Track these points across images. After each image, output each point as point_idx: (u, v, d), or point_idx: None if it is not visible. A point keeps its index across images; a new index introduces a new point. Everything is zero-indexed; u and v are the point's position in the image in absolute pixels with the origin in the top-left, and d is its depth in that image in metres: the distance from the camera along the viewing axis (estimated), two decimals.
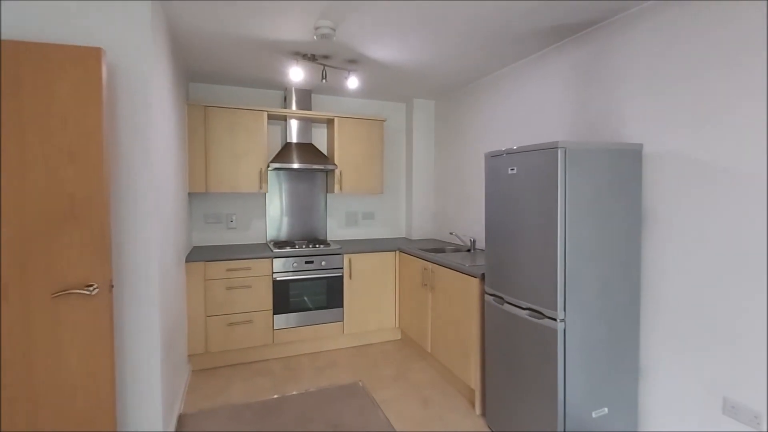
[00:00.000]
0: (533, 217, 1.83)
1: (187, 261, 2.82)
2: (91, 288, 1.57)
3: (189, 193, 3.19)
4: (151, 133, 1.82)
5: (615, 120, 2.07)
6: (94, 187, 1.57)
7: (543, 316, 1.80)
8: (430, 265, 2.89)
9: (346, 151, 3.55)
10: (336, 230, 3.87)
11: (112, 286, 1.66)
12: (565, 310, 1.72)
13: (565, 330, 1.73)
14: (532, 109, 2.66)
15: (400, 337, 3.54)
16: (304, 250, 3.17)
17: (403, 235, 4.16)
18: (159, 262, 1.88)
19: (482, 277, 2.30)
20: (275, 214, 3.63)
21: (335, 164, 3.38)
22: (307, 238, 3.74)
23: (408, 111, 4.03)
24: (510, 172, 1.97)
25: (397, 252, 3.45)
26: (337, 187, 3.52)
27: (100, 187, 1.58)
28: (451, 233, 3.24)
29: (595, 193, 1.76)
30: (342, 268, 3.27)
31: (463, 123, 3.48)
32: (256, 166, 3.25)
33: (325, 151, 3.78)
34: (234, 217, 3.50)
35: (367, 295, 3.37)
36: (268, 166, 3.27)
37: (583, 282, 1.75)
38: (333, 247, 3.31)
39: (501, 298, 2.08)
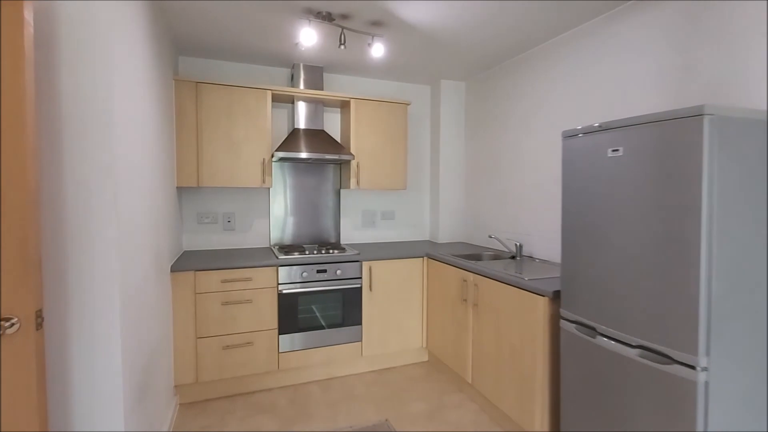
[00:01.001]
0: (652, 217, 1.29)
1: (173, 270, 2.28)
2: (8, 323, 1.03)
3: (178, 188, 2.66)
4: (113, 104, 1.28)
5: (738, 87, 1.52)
6: (11, 180, 1.04)
7: (671, 360, 1.25)
8: (471, 277, 2.34)
9: (365, 140, 3.01)
10: (350, 232, 3.33)
11: (42, 319, 1.12)
12: (709, 355, 1.18)
13: (708, 383, 1.18)
14: (607, 83, 2.11)
15: (426, 359, 3.00)
16: (316, 256, 2.63)
17: (427, 238, 3.62)
18: (123, 277, 1.35)
19: (554, 296, 1.75)
20: (280, 213, 3.10)
21: (352, 154, 2.84)
22: (317, 242, 3.21)
23: (434, 95, 3.48)
24: (611, 154, 1.42)
25: (426, 259, 2.91)
26: (353, 181, 2.98)
27: (22, 180, 1.05)
28: (490, 236, 2.71)
29: (757, 184, 1.22)
30: (360, 277, 2.73)
31: (503, 106, 2.93)
32: (258, 156, 2.72)
33: (338, 140, 3.23)
34: (232, 217, 2.97)
35: (389, 309, 2.83)
36: (272, 156, 2.74)
37: (737, 314, 1.20)
38: (349, 252, 2.77)
39: (590, 327, 1.53)
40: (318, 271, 2.61)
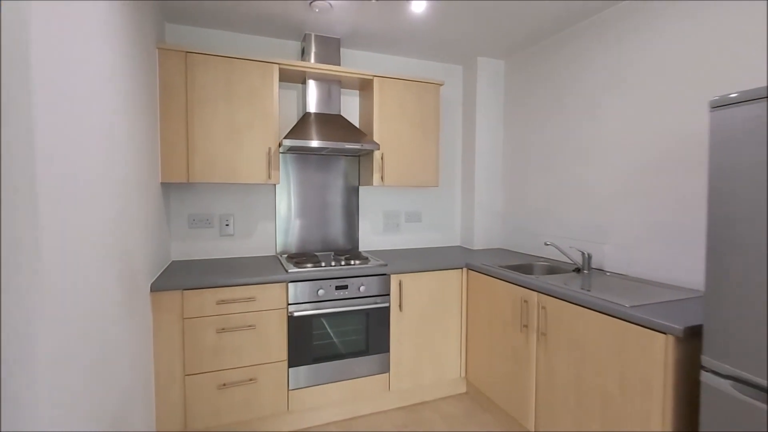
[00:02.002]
0: None
1: (154, 290, 1.78)
2: None
3: (163, 185, 2.15)
4: (31, 72, 0.78)
5: None
6: None
7: None
8: (535, 296, 1.83)
9: (390, 127, 2.50)
10: (370, 237, 2.83)
11: None
12: None
13: None
14: (712, 44, 1.60)
15: (465, 391, 2.49)
16: (335, 269, 2.12)
17: (459, 244, 3.11)
18: (59, 309, 0.84)
19: (686, 335, 1.24)
20: (286, 214, 2.59)
21: (376, 143, 2.33)
22: (330, 249, 2.70)
23: (467, 76, 2.97)
24: None
25: (466, 270, 2.40)
26: (376, 177, 2.47)
27: None
28: (546, 243, 2.20)
29: None
30: (388, 294, 2.22)
31: (556, 87, 2.42)
32: (263, 145, 2.21)
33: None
34: (230, 219, 2.47)
35: (422, 333, 2.32)
36: (280, 146, 2.23)
37: None
38: (374, 263, 2.26)
39: (758, 387, 1.02)
40: (337, 288, 2.11)
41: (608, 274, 2.04)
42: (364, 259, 2.30)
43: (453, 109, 3.03)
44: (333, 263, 2.17)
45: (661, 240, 1.83)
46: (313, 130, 2.27)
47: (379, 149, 2.35)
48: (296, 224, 2.61)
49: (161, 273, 2.00)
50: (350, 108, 2.74)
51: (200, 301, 1.86)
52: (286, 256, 2.47)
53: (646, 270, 1.90)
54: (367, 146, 2.29)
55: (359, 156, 2.73)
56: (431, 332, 2.34)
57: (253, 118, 2.18)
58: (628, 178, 1.99)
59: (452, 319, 2.39)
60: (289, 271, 2.03)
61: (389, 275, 2.22)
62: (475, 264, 2.32)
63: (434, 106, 2.62)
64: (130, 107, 1.54)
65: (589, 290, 1.68)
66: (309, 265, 2.13)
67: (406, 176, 2.56)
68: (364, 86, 2.61)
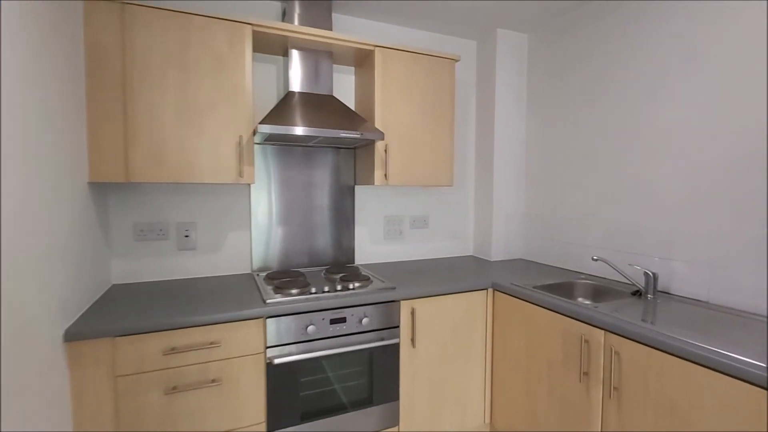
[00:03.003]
0: None
1: (70, 339, 1.23)
2: None
3: (93, 185, 1.59)
4: None
5: None
6: None
7: None
8: (601, 335, 1.37)
9: (395, 112, 1.99)
10: (368, 247, 2.32)
11: None
12: None
13: None
14: None
15: None
16: (329, 296, 1.60)
17: (471, 253, 2.64)
18: None
19: None
20: (265, 221, 2.06)
21: (380, 131, 1.82)
22: (322, 262, 2.18)
23: (483, 52, 2.48)
24: None
25: (492, 292, 1.93)
26: (378, 174, 1.96)
27: None
28: (595, 259, 1.75)
29: None
30: (398, 326, 1.72)
31: (604, 62, 1.96)
32: (232, 133, 1.67)
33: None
34: (191, 229, 1.92)
35: (439, 373, 1.84)
36: (255, 134, 1.70)
37: None
38: (377, 285, 1.76)
39: None
40: (333, 321, 1.59)
41: (683, 300, 1.59)
42: (365, 280, 1.79)
43: (465, 93, 2.54)
44: (326, 288, 1.66)
45: (756, 258, 1.39)
46: (299, 114, 1.74)
47: (383, 139, 1.84)
48: (278, 233, 2.07)
49: (88, 308, 1.44)
50: (344, 89, 2.21)
51: (140, 350, 1.32)
52: (264, 275, 1.94)
53: (731, 296, 1.46)
54: (368, 135, 1.78)
55: (356, 148, 2.21)
56: (450, 371, 1.86)
57: (217, 95, 1.64)
58: (708, 178, 1.55)
59: (475, 354, 1.92)
60: (268, 301, 1.51)
61: (399, 302, 1.72)
62: (503, 284, 1.84)
63: (449, 87, 2.12)
64: (36, 79, 0.98)
65: (668, 328, 1.22)
66: (294, 290, 1.61)
67: (415, 173, 2.06)
68: (362, 61, 2.08)
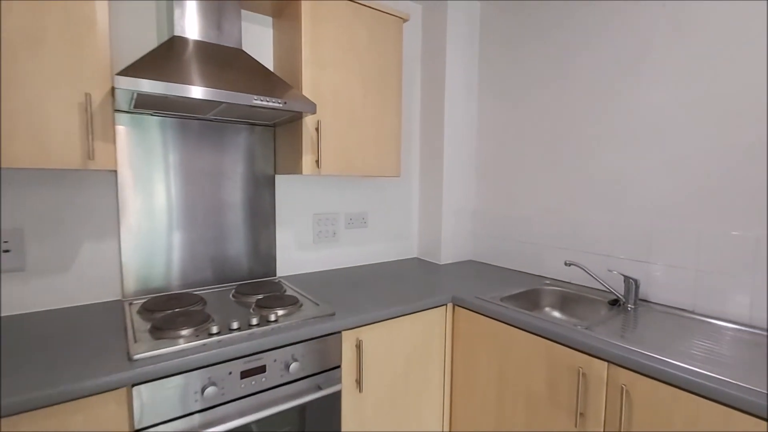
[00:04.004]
0: None
1: None
2: None
3: None
4: None
5: None
6: None
7: None
8: (603, 367, 1.08)
9: (330, 80, 1.52)
10: (294, 254, 1.82)
11: None
12: None
13: None
14: None
15: None
16: (238, 336, 1.09)
17: (416, 255, 2.28)
18: None
19: None
20: (146, 225, 1.44)
21: (310, 101, 1.33)
22: (231, 278, 1.63)
23: (430, 19, 2.10)
24: None
25: (452, 307, 1.57)
26: (308, 160, 1.48)
27: None
28: (567, 263, 1.49)
29: None
30: (339, 366, 1.27)
31: (575, 33, 1.70)
32: (73, 89, 1.05)
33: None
34: (16, 238, 1.24)
35: (390, 417, 1.43)
36: (114, 92, 1.10)
37: None
38: (310, 310, 1.28)
39: None
40: (246, 374, 1.09)
41: (668, 311, 1.39)
42: (293, 304, 1.31)
43: (407, 68, 2.14)
44: (235, 323, 1.13)
45: (748, 263, 1.22)
46: (190, 69, 1.18)
47: (314, 112, 1.35)
48: (167, 241, 1.48)
49: None
50: (258, 46, 1.66)
51: None
52: (142, 303, 1.34)
53: (719, 305, 1.29)
54: (293, 106, 1.28)
55: (276, 125, 1.68)
56: (404, 416, 1.46)
57: (44, 25, 1.01)
58: (694, 172, 1.35)
59: (433, 388, 1.55)
60: (136, 357, 0.95)
61: (340, 333, 1.27)
62: (465, 297, 1.50)
63: (395, 53, 1.70)
64: None
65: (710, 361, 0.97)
66: (184, 330, 1.07)
67: (354, 160, 1.61)
68: (283, 9, 1.56)
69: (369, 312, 1.32)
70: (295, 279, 1.73)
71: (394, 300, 1.44)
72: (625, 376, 1.04)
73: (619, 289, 1.53)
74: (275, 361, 1.13)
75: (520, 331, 1.30)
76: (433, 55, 2.07)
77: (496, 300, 1.47)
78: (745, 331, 1.20)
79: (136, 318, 1.20)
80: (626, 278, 1.43)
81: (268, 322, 1.18)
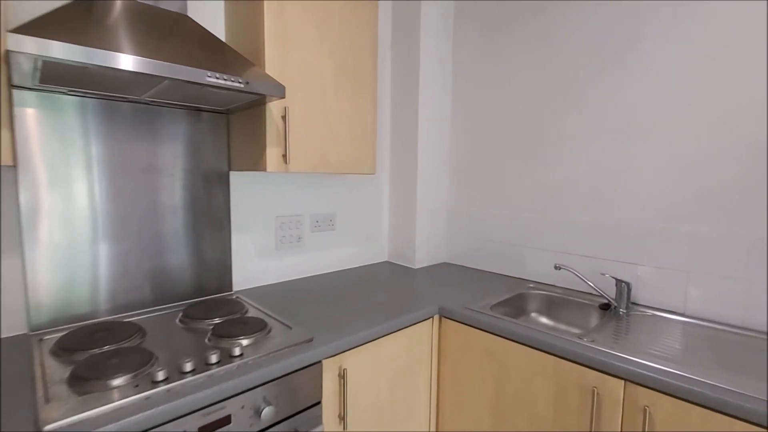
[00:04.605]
0: None
1: None
2: None
3: None
4: None
5: None
6: None
7: None
8: (620, 386, 0.98)
9: (297, 57, 1.28)
10: (254, 263, 1.56)
11: None
12: None
13: None
14: None
15: None
16: (192, 384, 0.85)
17: (386, 259, 2.11)
18: None
19: None
20: (62, 237, 1.12)
21: (278, 83, 1.09)
22: (177, 296, 1.35)
23: (401, 5, 1.92)
24: None
25: (439, 319, 1.42)
26: (273, 154, 1.24)
27: None
28: (558, 267, 1.41)
29: None
30: (319, 402, 1.06)
31: (561, 17, 1.61)
32: None
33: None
34: None
35: None
36: (7, 59, 0.79)
37: None
38: (280, 335, 1.06)
39: None
40: (203, 430, 0.84)
41: (663, 315, 1.34)
42: (260, 329, 1.08)
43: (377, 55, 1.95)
44: (188, 364, 0.88)
45: (743, 264, 1.20)
46: (122, 34, 0.90)
47: (283, 96, 1.11)
48: (87, 255, 1.16)
49: None
50: (206, 15, 1.38)
51: None
52: (57, 339, 1.03)
53: (712, 307, 1.26)
54: (257, 87, 1.04)
55: (230, 112, 1.41)
56: None
57: None
58: (686, 171, 1.31)
59: (419, 411, 1.39)
60: (47, 428, 0.68)
61: (321, 362, 1.06)
62: (453, 308, 1.36)
63: (370, 35, 1.50)
64: None
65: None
66: (118, 377, 0.81)
67: (329, 156, 1.39)
68: None
69: (352, 333, 1.12)
70: (257, 293, 1.48)
71: (376, 315, 1.26)
72: (646, 396, 0.94)
73: (610, 292, 1.47)
74: (243, 407, 0.90)
75: (521, 346, 1.18)
76: (405, 40, 1.90)
77: (487, 309, 1.35)
78: (744, 335, 1.17)
79: (50, 362, 0.91)
80: (618, 281, 1.37)
81: (232, 357, 0.94)
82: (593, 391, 1.02)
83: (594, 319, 1.43)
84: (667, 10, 1.32)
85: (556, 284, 1.64)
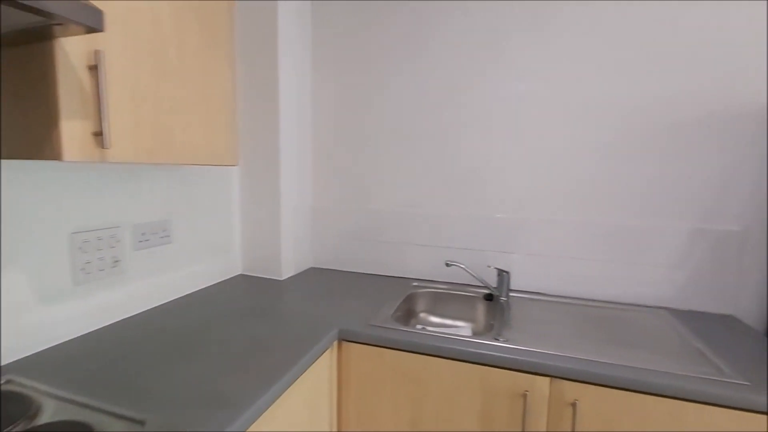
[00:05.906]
0: None
1: None
2: None
3: None
4: None
5: None
6: None
7: None
8: (545, 383, 0.97)
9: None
10: (34, 313, 0.94)
11: None
12: None
13: None
14: None
15: None
16: None
17: (240, 272, 1.68)
18: None
19: None
20: None
21: (92, 4, 0.62)
22: None
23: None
24: None
25: (338, 345, 1.16)
26: (77, 130, 0.72)
27: None
28: (448, 264, 1.35)
29: None
30: None
31: (423, 13, 1.54)
32: None
33: None
34: None
35: None
36: None
37: None
38: None
39: None
40: None
41: (535, 297, 1.45)
42: None
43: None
44: None
45: (609, 249, 1.41)
46: None
47: (100, 29, 0.64)
48: None
49: None
50: None
51: None
52: None
53: (564, 285, 1.45)
54: (50, 6, 0.55)
55: None
56: None
57: None
58: (560, 157, 1.44)
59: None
60: None
61: None
62: (355, 328, 1.13)
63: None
64: None
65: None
66: None
67: (175, 138, 0.93)
68: None
69: (236, 410, 0.76)
70: (46, 365, 0.89)
71: (263, 364, 0.91)
72: (565, 389, 0.95)
73: (491, 281, 1.52)
74: None
75: (443, 360, 1.05)
76: (259, 8, 1.50)
77: (391, 322, 1.18)
78: (602, 307, 1.36)
79: None
80: (500, 271, 1.42)
81: None
82: (525, 395, 0.98)
83: (480, 311, 1.45)
84: (528, 17, 1.40)
85: (438, 279, 1.61)
